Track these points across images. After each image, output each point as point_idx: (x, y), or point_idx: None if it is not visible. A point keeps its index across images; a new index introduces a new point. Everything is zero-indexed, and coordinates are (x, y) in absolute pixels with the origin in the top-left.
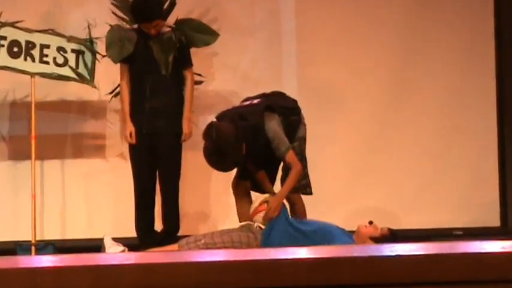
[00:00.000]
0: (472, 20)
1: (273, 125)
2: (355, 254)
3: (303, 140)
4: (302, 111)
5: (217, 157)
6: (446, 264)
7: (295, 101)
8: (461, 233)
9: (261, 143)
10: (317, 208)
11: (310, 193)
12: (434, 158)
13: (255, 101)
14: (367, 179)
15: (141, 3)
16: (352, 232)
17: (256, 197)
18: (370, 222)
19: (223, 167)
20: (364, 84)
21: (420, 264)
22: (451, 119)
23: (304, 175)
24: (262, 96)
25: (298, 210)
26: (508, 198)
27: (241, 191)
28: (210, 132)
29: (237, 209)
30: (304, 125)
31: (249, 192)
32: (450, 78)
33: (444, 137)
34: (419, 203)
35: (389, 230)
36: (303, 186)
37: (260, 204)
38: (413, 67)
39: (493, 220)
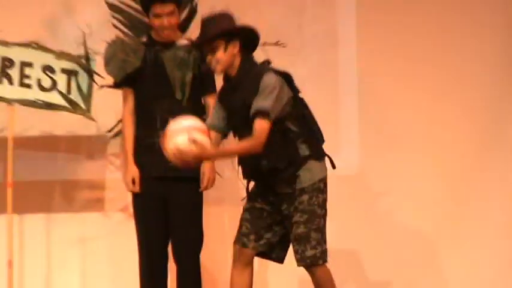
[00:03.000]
0: None
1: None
2: None
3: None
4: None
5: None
6: None
7: None
8: None
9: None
10: None
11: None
12: None
13: None
14: (452, 249)
15: None
16: None
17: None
18: None
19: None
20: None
21: None
22: None
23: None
24: None
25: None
26: None
27: (246, 257)
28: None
29: (233, 280)
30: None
31: (252, 260)
32: None
33: None
34: None
35: None
36: (314, 257)
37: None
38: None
39: None
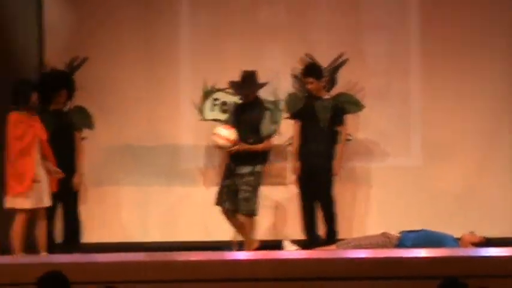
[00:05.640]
0: None
1: None
2: (461, 254)
3: None
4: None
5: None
6: None
7: None
8: None
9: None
10: (434, 221)
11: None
12: None
13: None
14: (472, 203)
15: (313, 64)
16: (459, 239)
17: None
18: (471, 232)
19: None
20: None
21: (506, 261)
22: None
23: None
24: None
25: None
26: None
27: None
28: None
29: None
30: None
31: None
32: None
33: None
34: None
35: (485, 238)
36: None
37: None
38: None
39: None
